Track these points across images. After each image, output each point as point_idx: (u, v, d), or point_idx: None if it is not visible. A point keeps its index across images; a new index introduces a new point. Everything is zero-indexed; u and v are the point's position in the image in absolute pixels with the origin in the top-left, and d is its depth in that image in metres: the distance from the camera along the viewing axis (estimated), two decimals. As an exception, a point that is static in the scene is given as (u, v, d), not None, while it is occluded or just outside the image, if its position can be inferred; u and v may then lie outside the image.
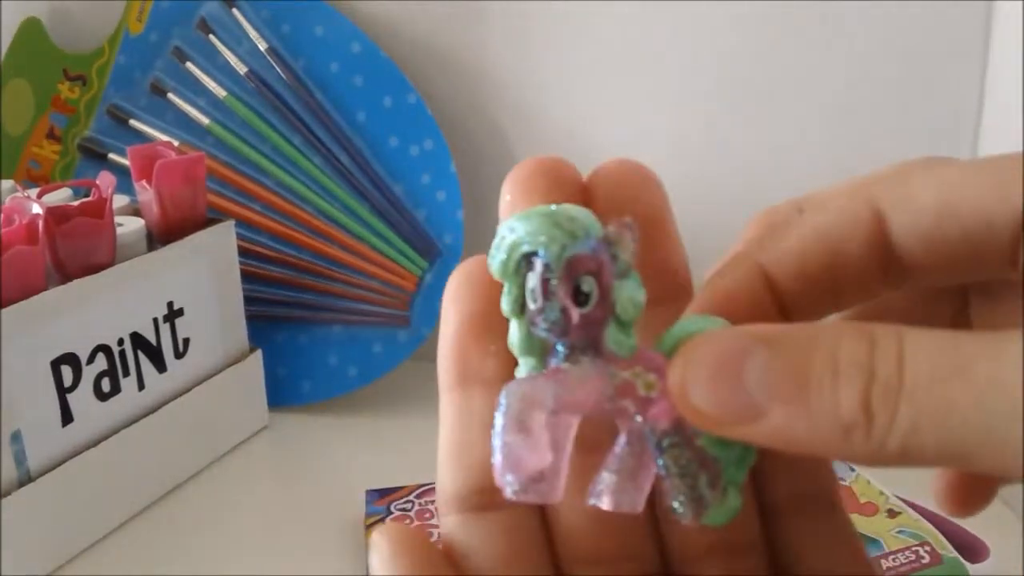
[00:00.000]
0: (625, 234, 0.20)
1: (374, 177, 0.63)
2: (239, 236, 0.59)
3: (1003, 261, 0.19)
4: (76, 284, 0.48)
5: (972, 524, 0.46)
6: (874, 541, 0.44)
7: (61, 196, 0.57)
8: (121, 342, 0.51)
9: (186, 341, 0.55)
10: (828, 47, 0.56)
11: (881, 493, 0.47)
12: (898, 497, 0.47)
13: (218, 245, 0.57)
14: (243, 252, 0.61)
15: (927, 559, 0.42)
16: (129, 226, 0.54)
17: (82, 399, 0.49)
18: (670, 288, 0.23)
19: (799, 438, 0.17)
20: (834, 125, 0.57)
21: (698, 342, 0.19)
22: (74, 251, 0.49)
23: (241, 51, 0.65)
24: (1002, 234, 0.19)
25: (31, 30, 0.70)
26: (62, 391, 0.48)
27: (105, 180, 0.52)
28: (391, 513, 0.50)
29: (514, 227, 0.20)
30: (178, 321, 0.55)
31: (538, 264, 0.20)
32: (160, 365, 0.54)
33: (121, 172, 0.62)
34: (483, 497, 0.22)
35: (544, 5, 0.61)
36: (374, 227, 0.63)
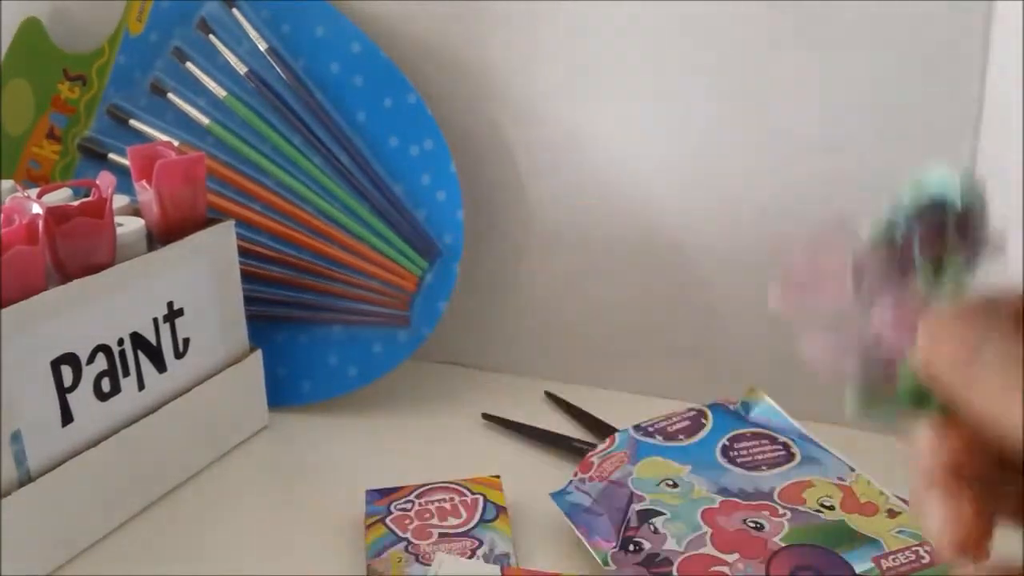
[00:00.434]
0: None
1: (374, 177, 0.63)
2: (239, 236, 0.59)
3: None
4: (76, 284, 0.48)
5: (972, 524, 0.46)
6: (874, 541, 0.44)
7: (61, 196, 0.57)
8: (121, 342, 0.51)
9: (186, 341, 0.55)
10: (828, 47, 0.56)
11: (881, 493, 0.47)
12: (898, 497, 0.47)
13: (218, 245, 0.57)
14: (243, 252, 0.61)
15: (927, 559, 0.43)
16: (129, 226, 0.54)
17: (82, 399, 0.49)
18: None
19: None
20: (834, 125, 0.57)
21: (944, 323, 0.23)
22: (74, 251, 0.49)
23: (241, 51, 0.65)
24: None
25: (31, 30, 0.70)
26: (62, 391, 0.48)
27: (105, 180, 0.52)
28: (391, 513, 0.50)
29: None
30: (178, 321, 0.55)
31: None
32: (160, 365, 0.54)
33: (121, 172, 0.62)
34: None
35: (544, 5, 0.61)
36: (374, 227, 0.63)
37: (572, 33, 0.61)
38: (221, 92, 0.65)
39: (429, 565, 0.46)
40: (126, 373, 0.52)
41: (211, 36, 0.65)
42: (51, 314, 0.47)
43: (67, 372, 0.48)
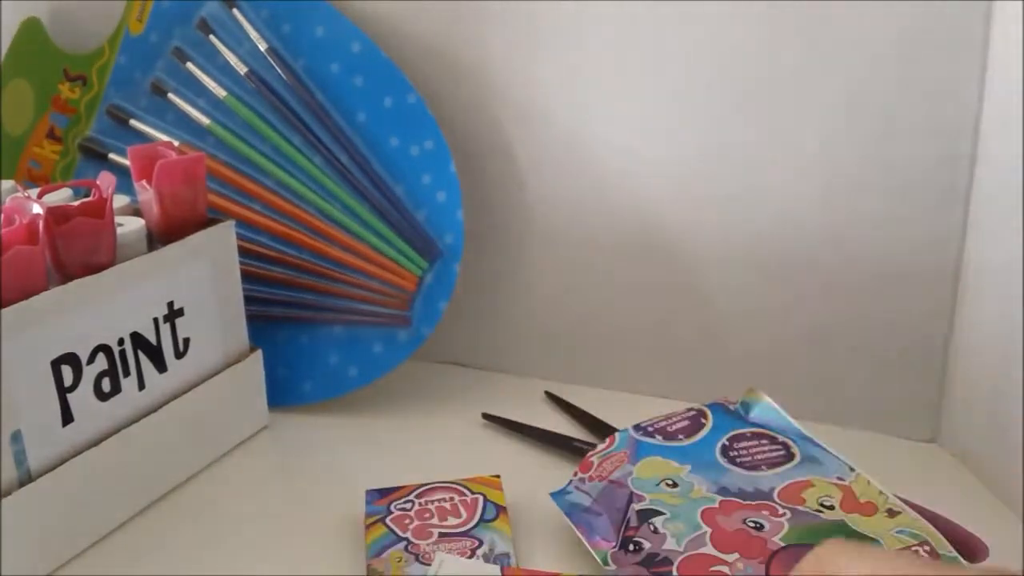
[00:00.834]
0: None
1: (374, 177, 0.63)
2: (239, 236, 0.59)
3: None
4: (76, 284, 0.48)
5: (972, 524, 0.46)
6: (873, 541, 0.44)
7: (61, 196, 0.57)
8: (121, 342, 0.51)
9: (186, 341, 0.56)
10: (828, 47, 0.56)
11: (881, 493, 0.47)
12: (897, 497, 0.47)
13: (218, 245, 0.57)
14: (243, 252, 0.61)
15: (926, 559, 0.42)
16: (129, 226, 0.54)
17: (82, 399, 0.49)
18: None
19: None
20: (834, 125, 0.57)
21: None
22: (74, 251, 0.49)
23: (241, 51, 0.65)
24: None
25: (31, 30, 0.70)
26: (62, 391, 0.48)
27: (105, 180, 0.52)
28: (391, 513, 0.50)
29: None
30: (178, 321, 0.55)
31: None
32: (160, 365, 0.54)
33: (121, 172, 0.62)
34: None
35: (544, 5, 0.61)
36: (374, 227, 0.63)
37: (572, 33, 0.61)
38: (221, 92, 0.65)
39: (429, 565, 0.46)
40: (126, 373, 0.52)
41: (211, 36, 0.66)
42: (51, 314, 0.47)
43: (67, 372, 0.48)
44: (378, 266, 0.63)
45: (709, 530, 0.46)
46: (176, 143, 0.61)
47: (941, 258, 0.57)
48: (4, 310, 0.45)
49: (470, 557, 0.47)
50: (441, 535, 0.48)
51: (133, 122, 0.67)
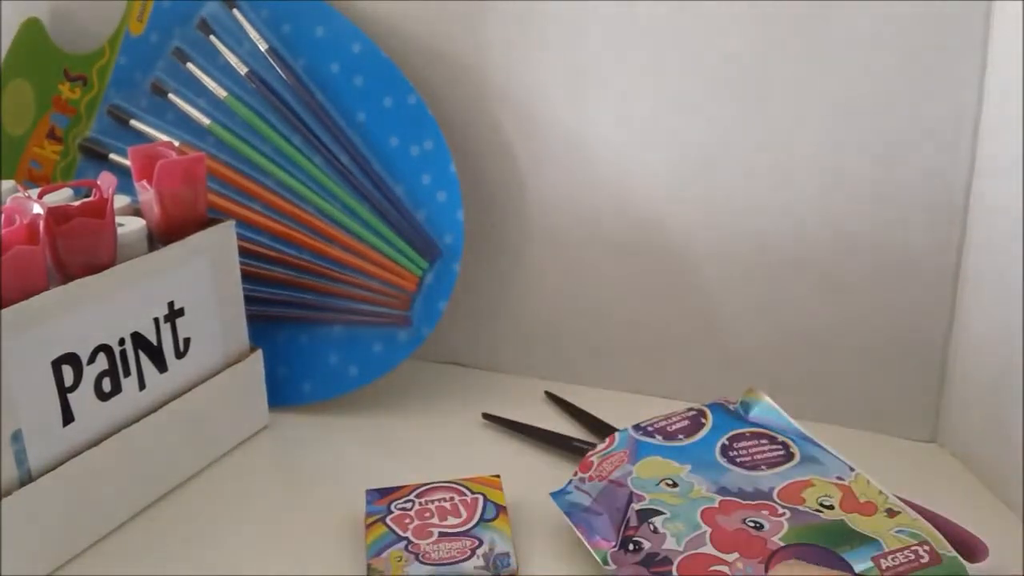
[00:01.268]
0: None
1: (374, 177, 0.63)
2: (239, 236, 0.59)
3: None
4: (77, 284, 0.48)
5: (972, 524, 0.46)
6: (873, 541, 0.44)
7: (62, 196, 0.57)
8: (122, 342, 0.51)
9: (187, 341, 0.56)
10: (828, 47, 0.56)
11: (880, 493, 0.47)
12: (897, 497, 0.47)
13: (218, 245, 0.57)
14: (243, 252, 0.61)
15: (926, 559, 0.43)
16: (130, 226, 0.54)
17: (83, 399, 0.49)
18: None
19: None
20: (834, 125, 0.57)
21: None
22: (75, 251, 0.49)
23: (242, 51, 0.65)
24: None
25: (32, 30, 0.70)
26: (63, 391, 0.48)
27: (106, 180, 0.52)
28: (391, 512, 0.50)
29: None
30: (179, 321, 0.55)
31: None
32: (161, 365, 0.54)
33: (122, 172, 0.62)
34: None
35: (544, 6, 0.61)
36: (374, 227, 0.63)
37: (572, 33, 0.61)
38: (221, 92, 0.65)
39: (429, 564, 0.46)
40: (127, 373, 0.52)
41: (211, 36, 0.66)
42: (52, 314, 0.47)
43: (68, 372, 0.48)
44: (378, 266, 0.63)
45: (709, 530, 0.46)
46: (176, 143, 0.62)
47: (941, 258, 0.57)
48: (4, 310, 0.45)
49: (469, 557, 0.47)
50: (441, 535, 0.48)
51: (133, 122, 0.67)
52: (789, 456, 0.51)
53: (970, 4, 0.53)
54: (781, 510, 0.47)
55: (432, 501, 0.51)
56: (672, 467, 0.51)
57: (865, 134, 0.56)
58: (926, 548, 0.43)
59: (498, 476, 0.53)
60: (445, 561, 0.46)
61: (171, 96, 0.66)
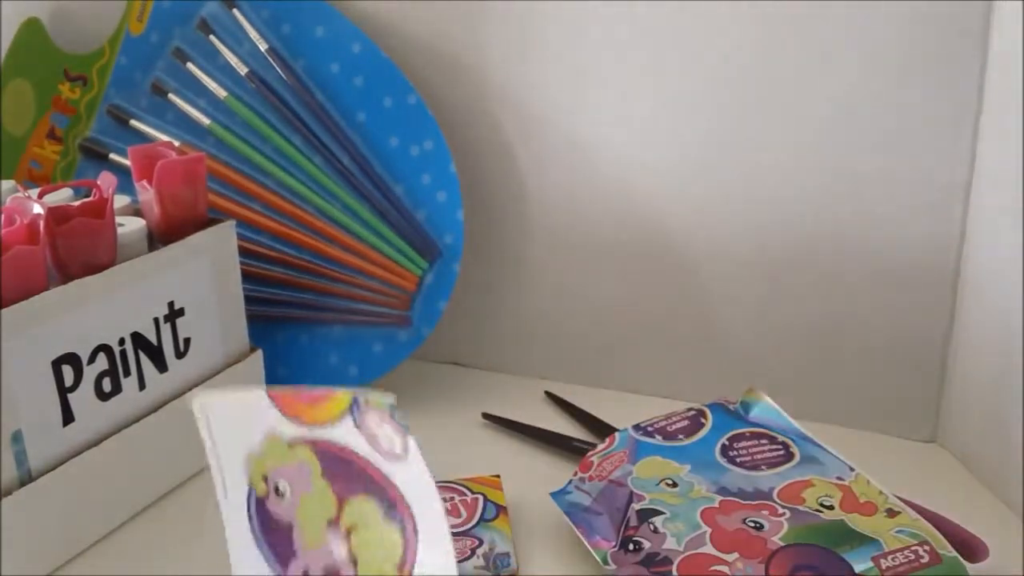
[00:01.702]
0: None
1: (374, 177, 0.63)
2: (239, 236, 0.59)
3: None
4: (77, 284, 0.48)
5: (972, 524, 0.46)
6: (873, 541, 0.44)
7: (62, 196, 0.57)
8: (122, 342, 0.51)
9: (187, 341, 0.56)
10: (828, 47, 0.56)
11: (880, 492, 0.47)
12: (897, 497, 0.47)
13: (218, 245, 0.57)
14: (243, 252, 0.61)
15: (926, 559, 0.43)
16: (130, 226, 0.54)
17: (83, 399, 0.49)
18: None
19: None
20: (834, 125, 0.57)
21: None
22: (75, 251, 0.49)
23: (242, 51, 0.65)
24: None
25: (32, 30, 0.70)
26: (63, 391, 0.48)
27: (106, 180, 0.52)
28: (391, 513, 0.50)
29: None
30: (179, 321, 0.55)
31: None
32: (161, 365, 0.54)
33: (122, 172, 0.62)
34: None
35: (545, 6, 0.61)
36: (374, 227, 0.63)
37: (572, 33, 0.61)
38: (222, 92, 0.65)
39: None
40: (127, 373, 0.52)
41: (212, 37, 0.66)
42: (52, 314, 0.47)
43: (68, 372, 0.48)
44: (378, 266, 0.63)
45: (709, 530, 0.46)
46: (176, 143, 0.62)
47: (941, 258, 0.57)
48: (4, 310, 0.45)
49: (469, 557, 0.47)
50: (441, 535, 0.48)
51: (133, 122, 0.67)
52: (789, 456, 0.51)
53: (970, 4, 0.53)
54: (781, 510, 0.47)
55: (432, 501, 0.51)
56: (672, 467, 0.51)
57: (865, 134, 0.56)
58: (926, 548, 0.43)
59: (498, 476, 0.53)
60: (445, 561, 0.46)
61: (171, 96, 0.66)
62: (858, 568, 0.42)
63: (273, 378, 0.63)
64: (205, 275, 0.56)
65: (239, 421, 0.29)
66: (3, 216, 0.49)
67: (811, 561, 0.43)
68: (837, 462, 0.50)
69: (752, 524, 0.46)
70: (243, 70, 0.64)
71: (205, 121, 0.65)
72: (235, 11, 0.65)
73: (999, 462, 0.54)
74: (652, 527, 0.46)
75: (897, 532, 0.44)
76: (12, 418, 0.46)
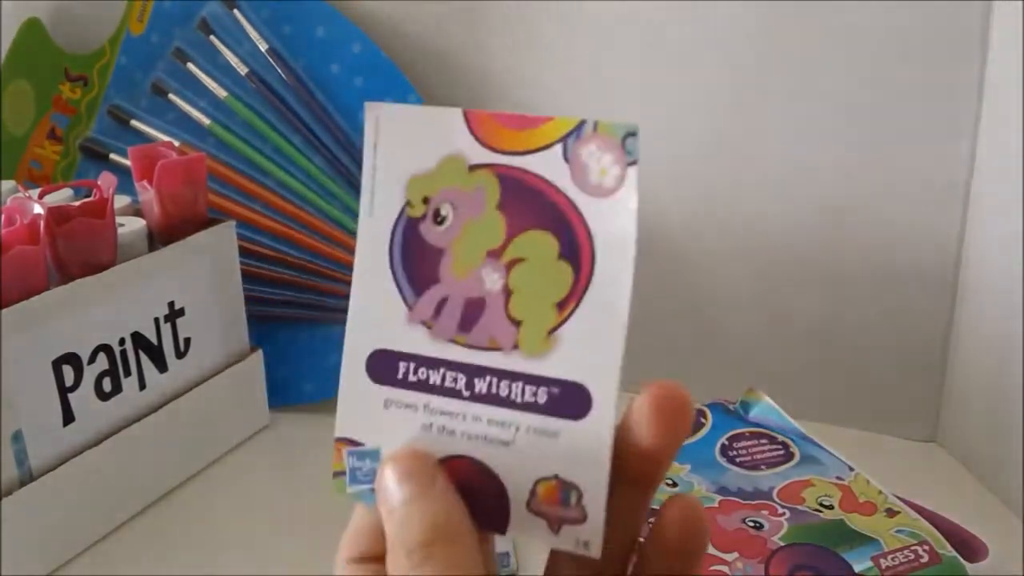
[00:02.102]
0: None
1: (374, 177, 0.63)
2: (240, 236, 0.59)
3: None
4: (77, 284, 0.48)
5: (972, 523, 0.46)
6: (873, 540, 0.44)
7: (62, 196, 0.57)
8: (122, 342, 0.51)
9: (187, 341, 0.56)
10: (828, 47, 0.56)
11: (880, 492, 0.47)
12: (897, 497, 0.47)
13: (219, 245, 0.57)
14: (243, 252, 0.61)
15: (926, 558, 0.43)
16: (130, 226, 0.54)
17: (83, 399, 0.49)
18: None
19: None
20: (834, 125, 0.57)
21: None
22: (75, 251, 0.49)
23: (242, 52, 0.65)
24: None
25: (32, 30, 0.70)
26: (63, 391, 0.48)
27: (106, 180, 0.52)
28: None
29: None
30: (179, 321, 0.55)
31: None
32: (161, 365, 0.54)
33: (122, 172, 0.62)
34: None
35: (544, 6, 0.61)
36: (374, 227, 0.63)
37: (572, 34, 0.61)
38: (222, 92, 0.65)
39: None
40: (127, 373, 0.52)
41: (212, 37, 0.66)
42: (52, 314, 0.47)
43: (68, 372, 0.48)
44: (378, 266, 0.63)
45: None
46: (177, 143, 0.62)
47: (941, 258, 0.57)
48: (5, 310, 0.45)
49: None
50: (441, 535, 0.48)
51: (134, 122, 0.67)
52: (789, 456, 0.51)
53: (970, 4, 0.53)
54: (781, 510, 0.47)
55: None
56: (672, 467, 0.51)
57: (865, 134, 0.57)
58: (926, 548, 0.43)
59: (498, 476, 0.53)
60: (445, 561, 0.46)
61: (171, 96, 0.66)
62: (858, 568, 0.42)
63: (273, 378, 0.63)
64: (205, 275, 0.56)
65: (415, 137, 0.26)
66: (3, 216, 0.49)
67: (811, 561, 0.43)
68: (837, 462, 0.50)
69: (752, 524, 0.46)
70: (243, 70, 0.65)
71: (205, 121, 0.65)
72: (235, 11, 0.65)
73: (999, 462, 0.54)
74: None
75: (897, 532, 0.44)
76: (12, 418, 0.46)
